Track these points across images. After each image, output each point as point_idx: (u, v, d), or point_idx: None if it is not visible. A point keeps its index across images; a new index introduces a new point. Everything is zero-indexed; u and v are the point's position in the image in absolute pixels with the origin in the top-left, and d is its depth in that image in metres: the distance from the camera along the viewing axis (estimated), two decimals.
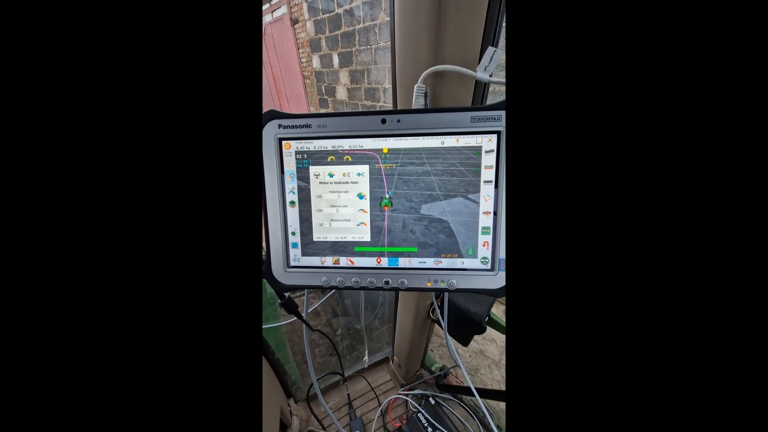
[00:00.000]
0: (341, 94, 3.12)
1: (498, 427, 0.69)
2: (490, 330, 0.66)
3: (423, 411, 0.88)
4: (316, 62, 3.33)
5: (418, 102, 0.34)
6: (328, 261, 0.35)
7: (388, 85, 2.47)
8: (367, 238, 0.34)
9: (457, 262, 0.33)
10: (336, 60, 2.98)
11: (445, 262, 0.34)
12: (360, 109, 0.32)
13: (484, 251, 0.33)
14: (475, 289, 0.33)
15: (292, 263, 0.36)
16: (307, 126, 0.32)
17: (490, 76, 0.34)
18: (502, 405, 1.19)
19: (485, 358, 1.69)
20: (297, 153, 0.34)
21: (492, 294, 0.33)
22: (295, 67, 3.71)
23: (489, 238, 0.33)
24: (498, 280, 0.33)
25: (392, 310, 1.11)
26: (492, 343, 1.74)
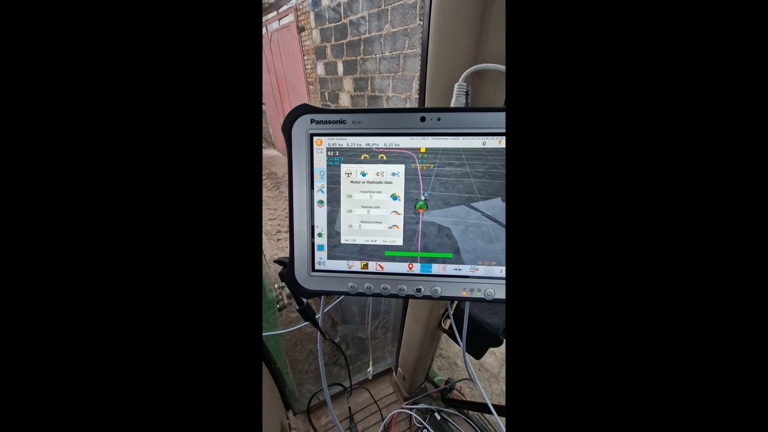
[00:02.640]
0: (344, 100, 3.14)
1: None
2: None
3: (428, 427, 0.85)
4: (320, 69, 3.36)
5: (458, 101, 0.33)
6: (356, 265, 0.33)
7: (392, 94, 2.48)
8: (400, 242, 0.32)
9: (496, 270, 0.32)
10: (340, 67, 3.00)
11: (483, 270, 0.32)
12: None
13: None
14: None
15: (317, 267, 0.34)
16: (342, 122, 0.31)
17: None
18: None
19: (484, 371, 1.66)
20: (329, 150, 0.32)
21: None
22: (299, 74, 3.74)
23: None
24: None
25: (397, 318, 1.08)
26: (491, 356, 1.70)
